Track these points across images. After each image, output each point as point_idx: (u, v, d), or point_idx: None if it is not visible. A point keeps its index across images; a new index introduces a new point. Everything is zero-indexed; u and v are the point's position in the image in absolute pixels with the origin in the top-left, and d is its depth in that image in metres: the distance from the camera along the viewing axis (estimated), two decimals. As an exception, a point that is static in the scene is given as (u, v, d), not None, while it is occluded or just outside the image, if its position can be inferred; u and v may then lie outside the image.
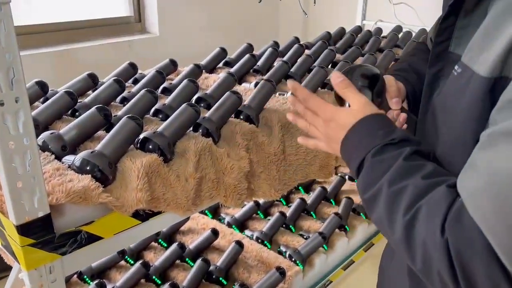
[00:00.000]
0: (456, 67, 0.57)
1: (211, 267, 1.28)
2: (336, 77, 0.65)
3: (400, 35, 1.78)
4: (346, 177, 1.82)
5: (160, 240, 1.44)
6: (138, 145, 0.81)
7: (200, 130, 0.89)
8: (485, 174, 0.45)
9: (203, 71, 1.30)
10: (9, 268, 0.86)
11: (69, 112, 0.96)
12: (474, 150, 0.49)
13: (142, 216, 0.77)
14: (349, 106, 0.65)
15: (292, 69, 1.28)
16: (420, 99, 0.78)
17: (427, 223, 0.49)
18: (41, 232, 0.63)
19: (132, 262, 1.34)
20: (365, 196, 0.57)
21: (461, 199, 0.48)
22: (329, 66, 1.39)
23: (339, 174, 1.80)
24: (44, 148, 0.78)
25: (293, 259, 1.36)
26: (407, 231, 0.50)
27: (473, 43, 0.55)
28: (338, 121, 0.62)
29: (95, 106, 0.87)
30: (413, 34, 1.82)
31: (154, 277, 1.26)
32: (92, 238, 0.71)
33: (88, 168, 0.72)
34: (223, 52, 1.41)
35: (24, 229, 0.61)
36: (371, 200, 0.55)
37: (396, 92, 0.74)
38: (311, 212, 1.59)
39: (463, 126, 0.54)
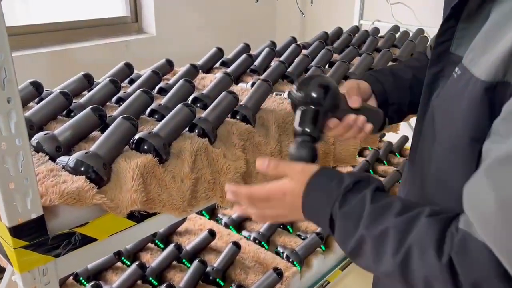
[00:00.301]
0: (456, 69, 0.57)
1: (208, 268, 1.28)
2: (261, 165, 0.64)
3: (397, 35, 1.77)
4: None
5: (156, 241, 1.43)
6: (133, 145, 0.80)
7: (196, 131, 0.88)
8: (496, 199, 0.44)
9: (200, 71, 1.29)
10: (2, 270, 0.85)
11: (64, 112, 0.95)
12: (480, 169, 0.47)
13: (137, 217, 0.77)
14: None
15: (289, 69, 1.27)
16: (390, 100, 0.78)
17: (422, 260, 0.49)
18: (34, 234, 0.63)
19: (128, 263, 1.33)
20: (347, 249, 0.57)
21: (460, 228, 0.48)
22: (326, 66, 1.38)
23: (336, 174, 1.80)
24: (38, 149, 0.77)
25: (290, 260, 1.35)
26: (403, 271, 0.51)
27: (474, 45, 0.55)
28: (292, 192, 0.61)
29: (90, 107, 0.86)
30: (411, 34, 1.82)
31: (150, 278, 1.25)
32: (86, 240, 0.70)
33: (82, 169, 0.71)
34: (220, 52, 1.40)
35: (16, 231, 0.61)
36: (355, 251, 0.56)
37: (355, 90, 0.73)
38: (309, 213, 1.59)
39: (461, 129, 0.54)
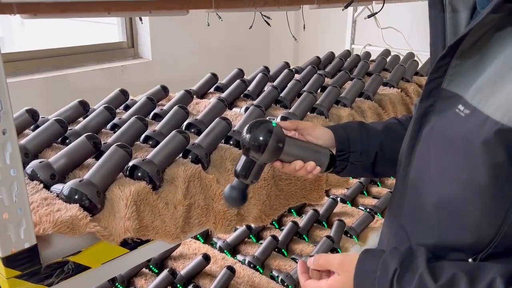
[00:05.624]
0: (460, 107, 0.58)
1: (203, 294, 1.27)
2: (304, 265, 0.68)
3: (388, 59, 1.81)
4: (338, 199, 1.82)
5: (151, 266, 1.42)
6: (127, 172, 0.81)
7: (190, 157, 0.89)
8: None
9: (194, 96, 1.31)
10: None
11: (59, 139, 0.96)
12: None
13: (130, 244, 0.77)
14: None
15: (282, 94, 1.30)
16: (352, 148, 0.79)
17: None
18: (27, 264, 0.63)
19: (122, 289, 1.32)
20: None
21: None
22: (319, 91, 1.41)
23: (331, 196, 1.80)
24: (33, 177, 0.78)
25: (285, 284, 1.34)
26: None
27: (482, 85, 0.56)
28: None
29: (85, 134, 0.87)
30: (401, 58, 1.86)
31: (144, 304, 1.24)
32: (80, 268, 0.70)
33: (76, 197, 0.72)
34: (214, 77, 1.43)
35: (9, 261, 0.61)
36: None
37: (299, 125, 0.78)
38: (304, 236, 1.59)
39: (480, 169, 0.55)
